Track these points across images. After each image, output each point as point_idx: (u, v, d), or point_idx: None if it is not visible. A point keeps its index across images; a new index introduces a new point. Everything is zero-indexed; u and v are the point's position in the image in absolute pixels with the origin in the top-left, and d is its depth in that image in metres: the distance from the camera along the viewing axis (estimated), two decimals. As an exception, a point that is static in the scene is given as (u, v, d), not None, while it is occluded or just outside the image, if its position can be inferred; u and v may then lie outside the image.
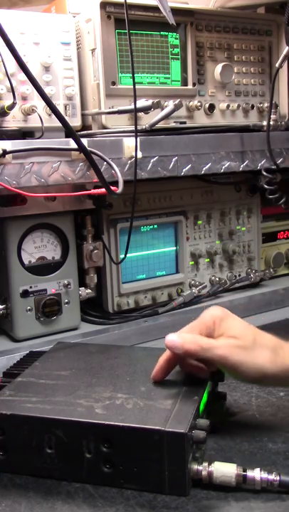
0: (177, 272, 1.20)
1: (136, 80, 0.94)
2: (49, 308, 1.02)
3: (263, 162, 1.14)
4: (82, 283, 1.08)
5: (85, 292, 1.08)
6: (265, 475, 0.57)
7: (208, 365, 0.69)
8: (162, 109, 1.02)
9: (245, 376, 0.65)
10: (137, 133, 0.95)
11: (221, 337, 0.67)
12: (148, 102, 1.00)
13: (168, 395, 0.66)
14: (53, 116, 0.89)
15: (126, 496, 0.58)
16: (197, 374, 0.70)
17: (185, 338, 0.66)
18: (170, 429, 0.57)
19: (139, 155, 0.96)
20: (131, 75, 0.94)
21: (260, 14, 1.22)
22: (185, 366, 0.70)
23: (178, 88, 1.09)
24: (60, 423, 0.61)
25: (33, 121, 0.95)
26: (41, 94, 0.85)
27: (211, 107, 1.12)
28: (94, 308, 1.13)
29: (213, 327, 0.68)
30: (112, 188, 0.93)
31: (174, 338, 0.66)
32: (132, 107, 0.96)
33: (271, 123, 1.11)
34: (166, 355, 0.69)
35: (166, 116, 1.02)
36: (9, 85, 0.88)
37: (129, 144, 0.96)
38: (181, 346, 0.65)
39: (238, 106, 1.15)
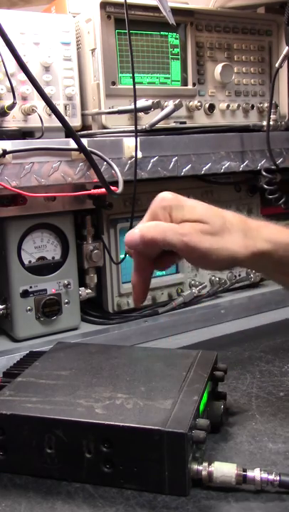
0: (177, 271, 1.20)
1: (136, 80, 0.94)
2: (49, 308, 1.02)
3: (262, 162, 1.14)
4: (82, 283, 1.08)
5: (85, 292, 1.08)
6: (265, 475, 0.57)
7: (173, 258, 0.63)
8: (162, 109, 1.02)
9: (214, 264, 0.59)
10: (137, 133, 0.95)
11: (184, 222, 0.58)
12: (148, 102, 1.00)
13: (168, 395, 0.66)
14: (53, 116, 0.89)
15: (126, 496, 0.58)
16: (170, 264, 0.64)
17: (143, 228, 0.58)
18: (170, 429, 0.57)
19: (139, 155, 0.96)
20: (131, 75, 0.94)
21: (260, 14, 1.22)
22: (157, 264, 0.64)
23: (178, 88, 1.09)
24: (60, 423, 0.61)
25: (33, 121, 0.95)
26: (41, 94, 0.85)
27: (211, 107, 1.12)
28: (94, 308, 1.13)
29: (172, 214, 0.59)
30: (112, 188, 0.93)
31: (132, 232, 0.59)
32: (132, 107, 0.96)
33: (271, 123, 1.11)
34: (134, 273, 0.63)
35: (166, 116, 1.02)
36: (9, 85, 0.88)
37: (129, 143, 0.96)
38: (141, 237, 0.58)
39: (238, 106, 1.15)
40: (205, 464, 0.59)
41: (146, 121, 1.02)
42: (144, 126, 1.00)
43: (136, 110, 0.96)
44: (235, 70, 1.14)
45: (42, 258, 1.02)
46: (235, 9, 1.14)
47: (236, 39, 1.15)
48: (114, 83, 1.01)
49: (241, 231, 0.60)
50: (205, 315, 1.15)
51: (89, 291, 1.09)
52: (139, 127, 0.98)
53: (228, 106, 1.13)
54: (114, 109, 1.00)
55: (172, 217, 0.59)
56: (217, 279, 1.23)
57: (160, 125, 1.02)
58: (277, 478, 0.57)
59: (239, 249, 0.58)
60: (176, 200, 0.60)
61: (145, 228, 0.59)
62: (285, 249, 0.61)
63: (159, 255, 0.63)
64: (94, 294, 1.11)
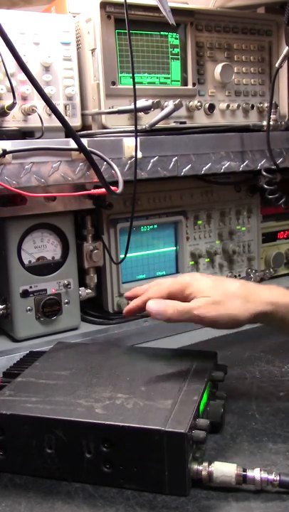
0: (177, 271, 1.20)
1: (136, 80, 0.94)
2: (49, 308, 1.02)
3: (262, 162, 1.14)
4: (82, 283, 1.08)
5: (85, 292, 1.08)
6: (265, 475, 0.57)
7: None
8: (162, 109, 1.02)
9: (223, 326, 0.72)
10: (137, 133, 0.95)
11: (194, 299, 0.73)
12: (148, 102, 1.00)
13: (168, 395, 0.66)
14: (53, 116, 0.89)
15: (126, 496, 0.58)
16: None
17: (164, 305, 0.73)
18: (170, 429, 0.57)
19: (139, 155, 0.96)
20: (131, 75, 0.93)
21: (260, 14, 1.22)
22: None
23: (178, 88, 1.09)
24: (60, 423, 0.61)
25: (33, 121, 0.95)
26: (41, 94, 0.85)
27: (211, 107, 1.12)
28: (94, 308, 1.13)
29: (185, 292, 0.75)
30: (112, 188, 0.93)
31: (157, 306, 0.73)
32: (132, 107, 0.96)
33: (271, 123, 1.11)
34: (142, 298, 0.79)
35: (166, 116, 1.02)
36: (9, 85, 0.88)
37: (129, 143, 0.96)
38: (164, 314, 0.72)
39: (238, 106, 1.15)
40: (205, 464, 0.59)
41: (146, 121, 1.01)
42: (144, 126, 1.00)
43: (136, 110, 0.96)
44: (235, 70, 1.14)
45: (42, 258, 1.02)
46: (235, 9, 1.14)
47: (236, 39, 1.15)
48: (114, 83, 1.01)
49: (241, 297, 0.72)
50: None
51: (89, 291, 1.09)
52: (139, 127, 0.98)
53: (228, 106, 1.13)
54: (114, 109, 1.00)
55: (187, 294, 0.75)
56: (217, 279, 1.23)
57: (160, 125, 1.02)
58: (277, 478, 0.57)
59: (240, 313, 0.71)
60: (190, 281, 0.76)
61: (168, 308, 0.73)
62: (287, 310, 0.73)
63: None
64: (94, 294, 1.11)
